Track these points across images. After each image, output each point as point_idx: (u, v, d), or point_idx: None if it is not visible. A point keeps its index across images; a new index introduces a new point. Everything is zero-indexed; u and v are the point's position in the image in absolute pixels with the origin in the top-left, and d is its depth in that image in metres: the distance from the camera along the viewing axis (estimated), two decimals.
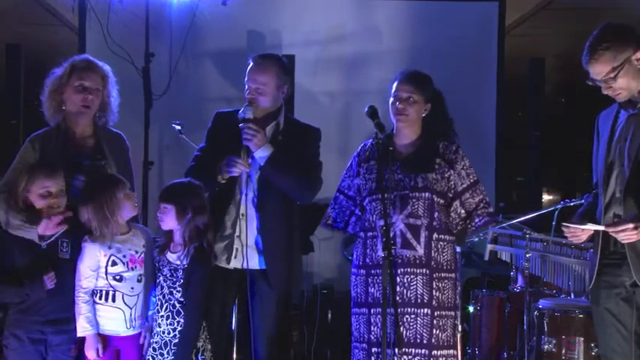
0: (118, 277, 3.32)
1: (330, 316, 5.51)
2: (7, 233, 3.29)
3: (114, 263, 3.31)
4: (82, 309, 3.26)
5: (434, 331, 3.39)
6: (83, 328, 3.26)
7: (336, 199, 3.66)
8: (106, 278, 3.30)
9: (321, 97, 6.18)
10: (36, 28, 7.20)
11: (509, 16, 6.50)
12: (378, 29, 6.28)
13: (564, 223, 3.19)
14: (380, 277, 3.30)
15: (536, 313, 4.11)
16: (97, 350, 3.27)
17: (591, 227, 3.09)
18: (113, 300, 3.31)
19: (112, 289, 3.31)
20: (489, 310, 4.75)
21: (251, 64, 3.57)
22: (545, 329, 4.02)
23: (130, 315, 3.34)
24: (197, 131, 4.51)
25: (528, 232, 4.17)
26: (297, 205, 3.64)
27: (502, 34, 6.30)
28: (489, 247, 4.42)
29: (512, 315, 4.57)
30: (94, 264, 3.29)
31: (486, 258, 4.48)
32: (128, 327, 3.34)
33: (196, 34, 6.01)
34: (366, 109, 3.33)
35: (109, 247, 3.30)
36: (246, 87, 3.55)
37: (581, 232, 3.16)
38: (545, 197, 8.49)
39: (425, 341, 3.37)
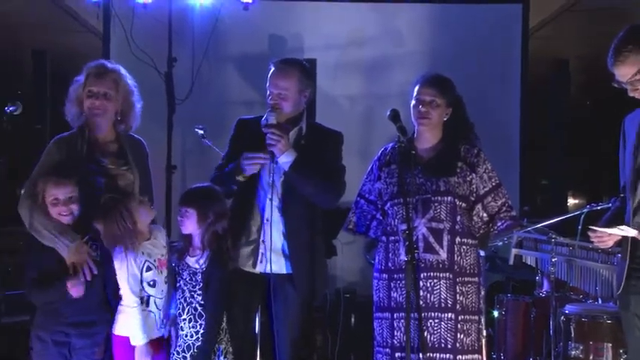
0: (152, 283, 3.33)
1: (353, 320, 5.48)
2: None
3: (148, 269, 3.32)
4: (136, 317, 3.26)
5: (458, 335, 3.34)
6: (137, 336, 3.26)
7: (357, 203, 3.63)
8: (142, 284, 3.31)
9: (342, 100, 6.16)
10: (61, 35, 7.26)
11: (533, 18, 6.43)
12: (400, 32, 6.24)
13: (591, 227, 3.13)
14: (402, 282, 3.28)
15: (562, 318, 4.05)
16: (151, 356, 3.27)
17: (618, 232, 3.02)
18: (147, 304, 3.33)
19: (146, 294, 3.32)
20: (514, 315, 4.69)
21: (273, 69, 3.54)
22: (572, 335, 3.97)
23: (160, 316, 3.36)
24: (219, 135, 4.51)
25: (554, 236, 4.11)
26: (321, 209, 3.62)
27: (526, 36, 6.23)
28: (514, 251, 4.36)
29: (538, 320, 4.51)
30: (137, 271, 3.29)
31: (511, 262, 4.42)
32: (159, 328, 3.36)
33: (218, 38, 6.01)
34: (388, 113, 3.30)
35: (142, 254, 3.31)
36: (269, 92, 3.53)
37: (608, 236, 3.10)
38: (571, 201, 8.39)
39: (449, 346, 3.33)
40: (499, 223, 3.44)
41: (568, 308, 4.09)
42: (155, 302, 3.34)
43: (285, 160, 3.41)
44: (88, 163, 3.42)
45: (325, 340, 5.47)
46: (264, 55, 5.89)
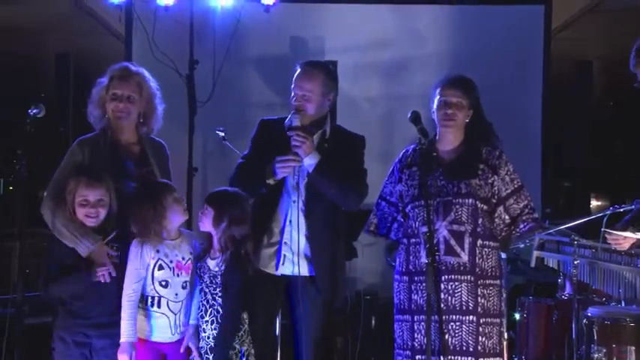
0: (163, 283, 3.33)
1: (373, 322, 5.48)
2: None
3: (160, 267, 3.32)
4: (126, 313, 3.26)
5: (480, 338, 3.34)
6: (123, 333, 3.26)
7: (378, 205, 3.63)
8: (153, 283, 3.32)
9: (363, 102, 6.15)
10: (84, 38, 7.31)
11: (555, 18, 6.38)
12: (421, 34, 6.22)
13: (606, 230, 3.11)
14: (423, 284, 3.29)
15: (585, 321, 4.00)
16: (130, 356, 3.24)
17: (632, 235, 3.00)
18: (159, 306, 3.33)
19: (157, 294, 3.32)
20: (536, 317, 4.65)
21: (298, 70, 3.56)
22: (595, 338, 3.91)
23: (175, 321, 3.34)
24: (241, 137, 4.53)
25: (576, 238, 4.07)
26: (342, 212, 3.62)
27: (548, 37, 6.19)
28: (536, 253, 4.33)
29: (560, 323, 4.46)
30: (141, 265, 3.29)
31: (533, 264, 4.39)
32: (173, 333, 3.35)
33: (240, 40, 6.02)
34: (409, 115, 3.30)
35: (157, 251, 3.32)
36: (293, 94, 3.54)
37: (623, 239, 3.08)
38: (594, 203, 8.30)
39: (471, 349, 3.32)
40: (521, 226, 3.43)
41: (591, 311, 4.04)
42: (168, 305, 3.33)
43: (310, 162, 3.43)
44: (113, 166, 3.44)
45: (345, 343, 5.46)
46: (285, 58, 5.92)
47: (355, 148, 3.62)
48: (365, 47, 6.19)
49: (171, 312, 3.34)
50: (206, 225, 3.39)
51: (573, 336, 4.08)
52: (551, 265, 4.36)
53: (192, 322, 3.39)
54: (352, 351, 5.44)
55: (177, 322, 3.35)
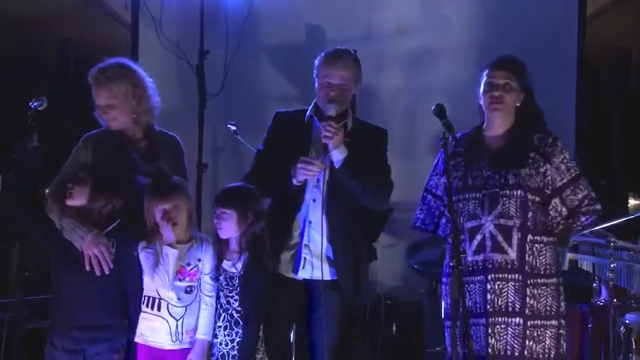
0: (160, 284, 3.33)
1: (394, 328, 5.45)
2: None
3: (163, 271, 3.31)
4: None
5: (527, 342, 3.30)
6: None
7: (424, 199, 3.60)
8: (153, 284, 3.31)
9: (384, 94, 6.11)
10: (89, 26, 7.34)
11: (591, 4, 6.31)
12: (445, 22, 6.17)
13: None
14: (471, 285, 3.29)
15: (622, 328, 3.98)
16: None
17: None
18: (158, 309, 3.31)
19: (157, 296, 3.31)
20: (570, 324, 4.56)
21: (328, 58, 3.53)
22: (634, 346, 3.89)
23: (176, 327, 3.31)
24: (253, 131, 4.53)
25: (613, 239, 4.03)
26: (362, 211, 3.59)
27: (583, 24, 6.12)
28: (569, 255, 4.28)
29: (596, 330, 4.43)
30: (152, 268, 3.31)
31: (565, 267, 4.35)
32: (174, 340, 3.32)
33: (252, 29, 6.00)
34: (433, 107, 3.27)
35: (160, 254, 3.31)
36: (324, 83, 3.50)
37: None
38: (632, 202, 8.23)
39: (516, 353, 3.29)
40: (583, 219, 3.40)
41: (628, 318, 4.02)
42: (169, 308, 3.31)
43: (338, 157, 3.40)
44: (120, 161, 3.46)
45: (364, 350, 5.44)
46: (300, 47, 5.89)
47: (378, 142, 3.61)
48: (386, 36, 6.15)
49: (172, 317, 3.31)
50: (229, 230, 3.36)
51: (610, 344, 4.04)
52: (585, 269, 4.33)
53: (199, 336, 3.34)
54: (373, 357, 5.42)
55: (180, 328, 3.31)
